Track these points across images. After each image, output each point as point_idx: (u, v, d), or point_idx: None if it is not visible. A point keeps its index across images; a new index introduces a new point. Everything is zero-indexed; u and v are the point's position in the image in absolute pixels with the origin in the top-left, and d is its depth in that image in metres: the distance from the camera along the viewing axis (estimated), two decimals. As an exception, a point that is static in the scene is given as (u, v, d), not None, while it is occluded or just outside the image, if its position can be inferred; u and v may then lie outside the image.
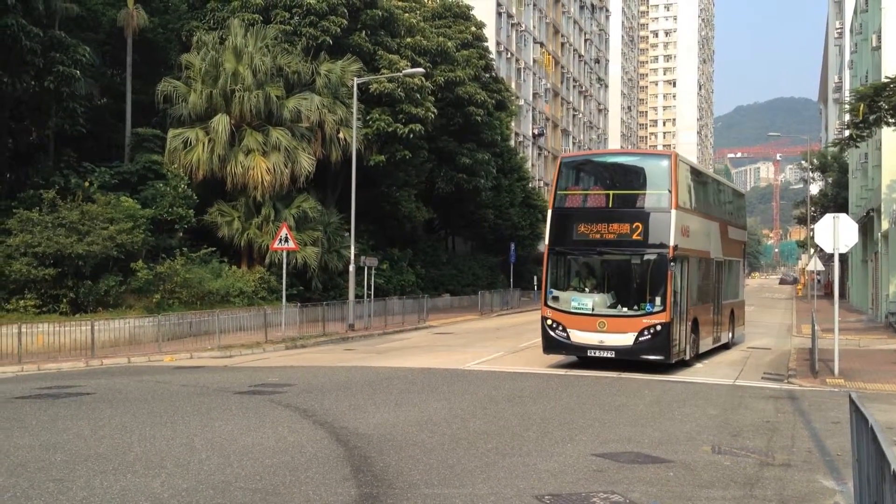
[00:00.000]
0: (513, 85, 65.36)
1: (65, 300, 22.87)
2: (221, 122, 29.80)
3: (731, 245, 23.97)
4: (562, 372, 18.28)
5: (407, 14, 40.95)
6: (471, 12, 47.60)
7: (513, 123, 63.97)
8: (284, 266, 26.38)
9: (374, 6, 36.81)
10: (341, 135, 33.13)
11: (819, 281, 56.54)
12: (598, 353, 18.10)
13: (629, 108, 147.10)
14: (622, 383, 16.90)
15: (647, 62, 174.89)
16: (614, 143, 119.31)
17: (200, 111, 30.53)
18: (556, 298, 18.62)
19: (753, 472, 9.15)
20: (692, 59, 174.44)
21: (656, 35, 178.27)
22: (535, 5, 76.59)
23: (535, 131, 75.06)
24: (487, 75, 47.01)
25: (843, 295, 51.34)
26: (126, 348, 21.54)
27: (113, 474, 8.17)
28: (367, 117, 35.49)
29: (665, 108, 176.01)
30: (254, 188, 30.07)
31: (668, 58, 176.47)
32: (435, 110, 38.19)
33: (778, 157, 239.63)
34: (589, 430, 11.56)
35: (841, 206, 48.84)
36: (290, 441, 10.13)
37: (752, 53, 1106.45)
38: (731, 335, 23.95)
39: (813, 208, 61.41)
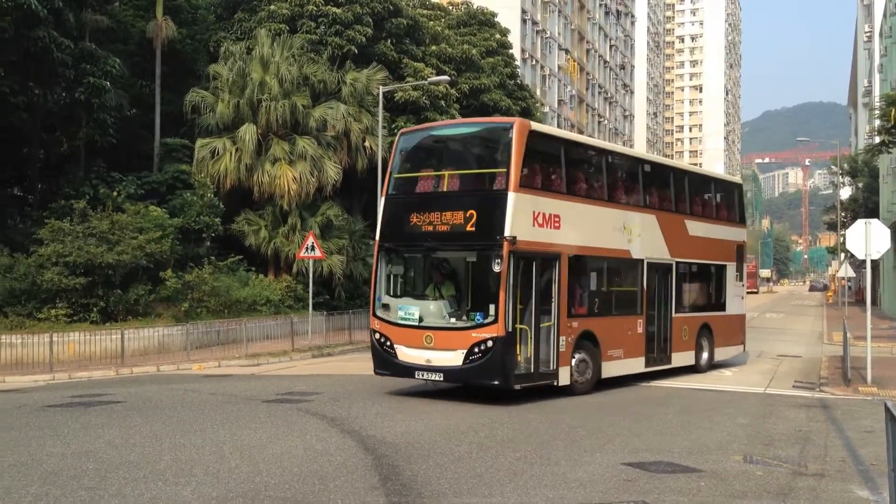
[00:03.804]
0: (538, 92, 65.27)
1: (95, 309, 23.11)
2: (248, 132, 30.01)
3: (703, 245, 20.00)
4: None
5: (432, 22, 41.05)
6: (496, 19, 47.59)
7: (538, 130, 63.70)
8: (311, 274, 26.49)
9: (399, 15, 36.94)
10: (367, 143, 33.22)
11: (850, 287, 55.85)
12: (425, 376, 14.65)
13: (655, 114, 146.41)
14: (650, 391, 16.80)
15: (673, 68, 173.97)
16: (640, 149, 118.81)
17: (228, 121, 30.77)
18: (385, 307, 15.27)
19: (786, 482, 9.03)
20: (719, 65, 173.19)
21: (682, 40, 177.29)
22: (560, 12, 76.50)
23: (561, 138, 74.71)
24: (512, 82, 46.95)
25: (874, 302, 50.64)
26: (155, 357, 21.72)
27: (144, 482, 8.22)
28: (393, 125, 35.55)
29: (691, 113, 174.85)
30: (280, 197, 30.22)
31: (694, 63, 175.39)
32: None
33: (807, 163, 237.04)
34: (617, 439, 11.47)
35: (871, 212, 48.23)
36: (318, 449, 10.15)
37: (780, 58, 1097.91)
38: (705, 355, 19.96)
39: (843, 214, 60.68)
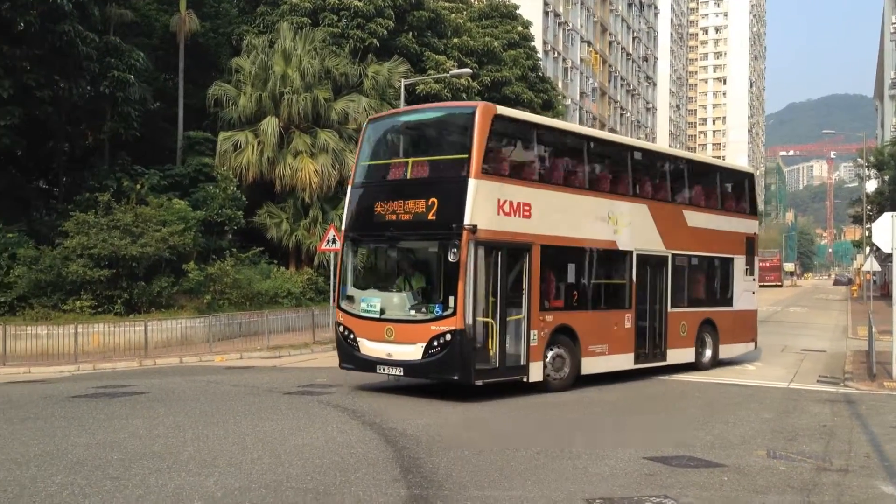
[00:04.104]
0: (559, 84, 64.99)
1: (119, 301, 23.32)
2: (270, 125, 30.13)
3: (705, 237, 19.04)
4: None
5: (453, 15, 41.01)
6: (517, 12, 47.47)
7: (560, 123, 63.57)
8: (332, 267, 26.55)
9: (421, 7, 36.92)
10: (388, 136, 33.25)
11: (875, 282, 55.19)
12: (386, 371, 14.08)
13: (678, 106, 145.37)
14: (672, 385, 16.70)
15: (696, 60, 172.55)
16: (663, 141, 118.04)
17: (250, 114, 30.90)
18: (350, 298, 14.85)
19: (810, 478, 8.95)
20: (743, 56, 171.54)
21: (706, 32, 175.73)
22: (582, 4, 76.10)
23: (583, 131, 74.48)
24: (534, 75, 46.79)
25: (900, 296, 49.95)
26: (178, 348, 21.89)
27: (168, 473, 8.29)
28: (414, 118, 35.55)
29: (715, 105, 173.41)
30: (302, 190, 30.33)
31: (718, 55, 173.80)
32: (482, 111, 38.10)
33: (832, 155, 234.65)
34: (639, 433, 11.43)
35: (898, 205, 47.59)
36: (339, 441, 10.19)
37: (806, 49, 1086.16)
38: (708, 352, 19.01)
39: (869, 207, 59.97)
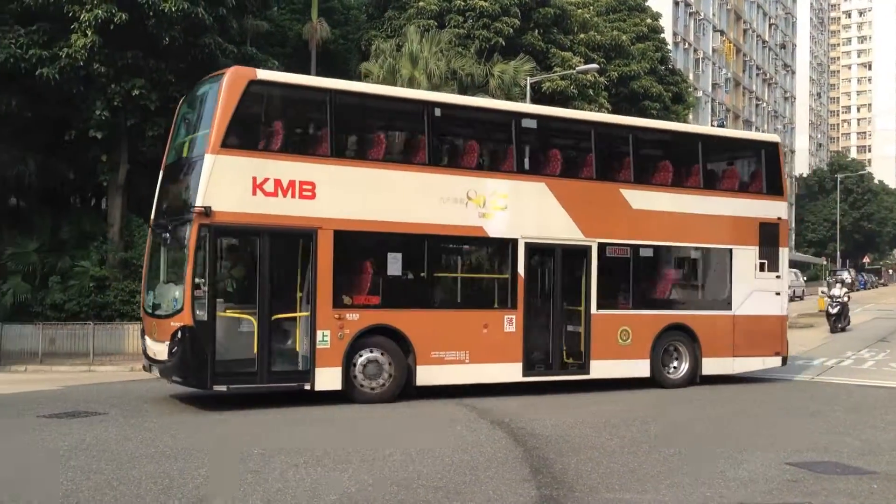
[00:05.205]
0: (690, 76, 63.16)
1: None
2: (399, 128, 30.62)
3: (670, 223, 15.41)
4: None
5: (580, 10, 40.52)
6: (646, 4, 46.48)
7: (690, 116, 61.83)
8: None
9: (547, 4, 36.67)
10: (515, 135, 33.21)
11: None
12: (154, 371, 12.67)
13: (818, 94, 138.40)
14: (815, 388, 15.93)
15: (838, 45, 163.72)
16: (802, 132, 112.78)
17: (379, 117, 31.52)
18: (149, 293, 13.42)
19: (972, 489, 8.32)
20: (890, 39, 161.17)
21: (849, 15, 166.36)
22: (714, -8, 73.70)
23: (715, 123, 72.09)
24: (663, 67, 45.65)
25: None
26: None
27: (305, 467, 8.56)
28: (540, 116, 35.38)
29: (859, 92, 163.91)
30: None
31: (862, 39, 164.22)
32: (609, 106, 37.52)
33: None
34: (779, 436, 10.96)
35: None
36: (468, 440, 10.24)
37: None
38: (683, 366, 15.38)
39: None
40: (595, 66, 34.18)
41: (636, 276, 15.33)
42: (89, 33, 20.05)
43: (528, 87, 30.10)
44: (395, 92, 15.05)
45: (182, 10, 20.67)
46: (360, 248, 13.05)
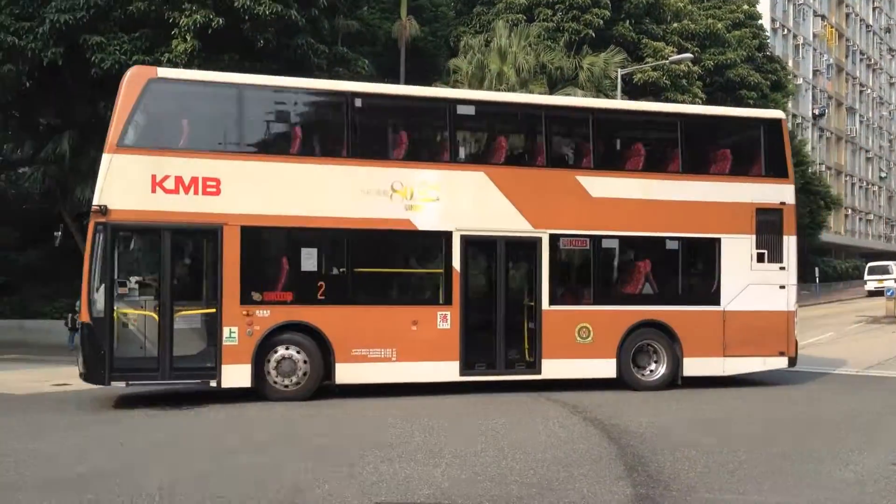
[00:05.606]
0: (790, 63, 61.07)
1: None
2: (488, 123, 30.63)
3: (636, 211, 14.16)
4: (837, 372, 16.78)
5: (673, -1, 39.70)
6: (742, -10, 45.20)
7: (790, 104, 59.81)
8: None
9: (638, -6, 36.07)
10: (606, 128, 32.78)
11: None
12: None
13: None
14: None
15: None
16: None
17: (468, 113, 31.58)
18: None
19: None
20: None
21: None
22: (814, -25, 71.00)
23: (816, 111, 69.57)
24: (761, 55, 44.33)
25: None
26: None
27: (398, 462, 8.64)
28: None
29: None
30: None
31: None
32: (703, 96, 36.63)
33: None
34: (886, 436, 10.48)
35: None
36: (561, 437, 10.15)
37: None
38: (659, 368, 14.21)
39: None
40: (689, 55, 33.42)
41: (598, 269, 14.31)
42: (189, 38, 20.76)
43: (619, 79, 29.63)
44: (309, 84, 14.62)
45: (276, 12, 21.18)
46: (270, 243, 12.99)
